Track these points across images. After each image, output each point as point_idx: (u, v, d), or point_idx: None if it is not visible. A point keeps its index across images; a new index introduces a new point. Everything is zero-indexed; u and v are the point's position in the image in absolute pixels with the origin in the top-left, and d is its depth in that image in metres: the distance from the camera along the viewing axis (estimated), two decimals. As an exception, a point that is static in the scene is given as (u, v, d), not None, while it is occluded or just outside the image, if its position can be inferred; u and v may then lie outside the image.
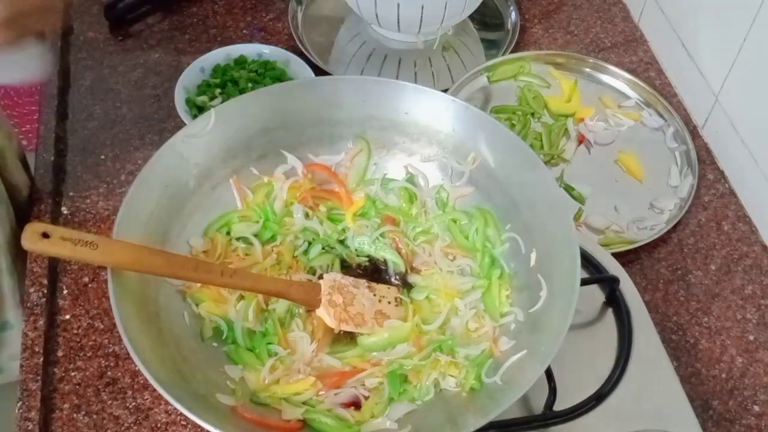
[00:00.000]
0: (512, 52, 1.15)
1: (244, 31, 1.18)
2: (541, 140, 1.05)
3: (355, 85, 0.88)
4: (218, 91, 1.05)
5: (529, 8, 1.23)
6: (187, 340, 0.76)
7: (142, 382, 0.84)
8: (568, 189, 1.01)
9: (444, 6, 1.07)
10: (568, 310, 0.71)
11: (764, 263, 0.96)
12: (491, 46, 1.19)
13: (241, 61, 1.08)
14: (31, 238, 0.66)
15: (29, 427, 0.80)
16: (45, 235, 0.67)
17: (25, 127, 2.37)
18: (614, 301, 0.85)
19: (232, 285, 0.76)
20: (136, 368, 0.65)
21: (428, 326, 0.80)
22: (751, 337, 0.90)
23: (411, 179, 0.89)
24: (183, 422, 0.82)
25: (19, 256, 0.94)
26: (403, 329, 0.79)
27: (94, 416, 0.82)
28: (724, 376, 0.87)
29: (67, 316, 0.89)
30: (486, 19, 1.21)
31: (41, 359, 0.85)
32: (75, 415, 0.82)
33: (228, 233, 0.84)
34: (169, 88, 1.08)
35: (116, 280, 0.70)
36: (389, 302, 0.82)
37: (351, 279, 0.82)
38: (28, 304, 0.88)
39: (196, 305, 0.79)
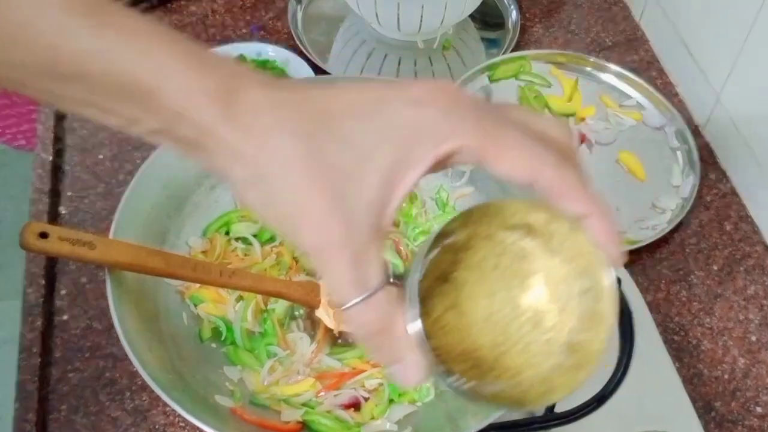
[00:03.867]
0: (513, 51, 1.14)
1: (244, 30, 1.17)
2: (542, 140, 1.05)
3: (355, 84, 0.87)
4: (217, 90, 1.04)
5: (530, 7, 1.22)
6: (185, 341, 0.76)
7: (140, 383, 0.83)
8: (569, 189, 1.00)
9: (444, 5, 1.06)
10: (569, 310, 0.70)
11: (767, 263, 0.95)
12: (492, 46, 1.18)
13: (240, 60, 1.08)
14: (29, 238, 0.66)
15: (27, 429, 0.80)
16: (43, 235, 0.66)
17: (23, 126, 2.37)
18: (616, 301, 0.84)
19: (232, 285, 0.76)
20: (135, 369, 0.65)
21: (428, 327, 0.80)
22: (754, 338, 0.90)
23: (411, 179, 0.89)
24: (181, 424, 0.82)
25: None
26: (404, 330, 0.79)
27: (92, 417, 0.82)
28: (726, 377, 0.87)
29: (65, 317, 0.89)
30: (486, 19, 1.21)
31: (39, 360, 0.84)
32: (73, 417, 0.82)
33: (227, 233, 0.84)
34: (168, 87, 1.08)
35: (114, 280, 0.70)
36: (389, 303, 0.81)
37: (351, 279, 0.81)
38: (26, 305, 0.88)
39: (195, 306, 0.78)
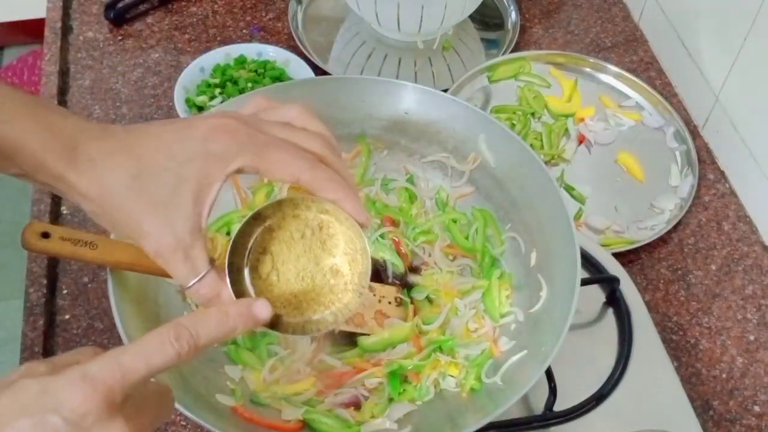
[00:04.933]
0: (512, 51, 1.15)
1: (244, 31, 1.18)
2: (542, 140, 1.05)
3: (355, 85, 0.88)
4: (218, 90, 1.05)
5: (530, 8, 1.23)
6: (186, 341, 0.76)
7: (141, 382, 0.84)
8: (569, 189, 1.01)
9: (444, 6, 1.07)
10: (568, 310, 0.70)
11: (764, 263, 0.96)
12: (491, 46, 1.19)
13: (240, 61, 1.08)
14: (30, 238, 0.66)
15: (29, 428, 0.80)
16: (45, 235, 0.66)
17: (24, 126, 2.37)
18: (614, 301, 0.85)
19: (232, 285, 0.76)
20: (136, 368, 0.65)
21: (428, 326, 0.80)
22: (752, 337, 0.90)
23: (411, 179, 0.89)
24: (183, 422, 0.82)
25: None
26: (403, 329, 0.79)
27: (94, 416, 0.82)
28: (724, 376, 0.87)
29: (67, 316, 0.89)
30: (486, 19, 1.21)
31: (41, 359, 0.84)
32: (74, 416, 0.82)
33: (228, 233, 0.84)
34: (168, 87, 1.08)
35: (116, 280, 0.70)
36: (389, 302, 0.81)
37: (351, 279, 0.82)
38: (28, 304, 0.88)
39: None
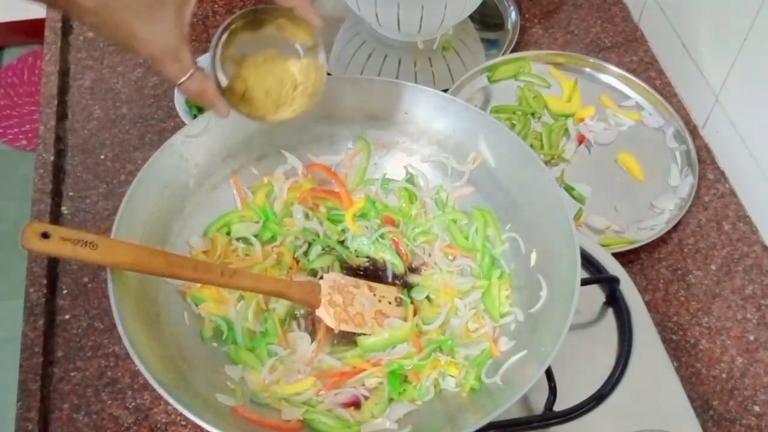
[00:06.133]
0: (512, 51, 1.15)
1: (244, 31, 1.18)
2: (541, 140, 1.05)
3: (355, 85, 0.88)
4: (218, 90, 1.05)
5: (529, 8, 1.23)
6: (187, 341, 0.76)
7: (141, 382, 0.84)
8: (569, 189, 1.01)
9: (444, 6, 1.07)
10: (568, 310, 0.71)
11: (764, 263, 0.96)
12: (491, 46, 1.19)
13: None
14: (30, 238, 0.66)
15: (29, 427, 0.80)
16: (45, 235, 0.66)
17: (25, 127, 2.37)
18: (614, 301, 0.85)
19: (232, 285, 0.76)
20: (136, 368, 0.65)
21: (428, 326, 0.80)
22: (752, 337, 0.90)
23: (411, 179, 0.89)
24: (183, 422, 0.82)
25: None
26: (403, 329, 0.79)
27: (94, 416, 0.82)
28: (724, 376, 0.87)
29: (67, 316, 0.89)
30: (486, 19, 1.21)
31: (41, 359, 0.85)
32: (74, 416, 0.82)
33: (228, 233, 0.84)
34: (168, 87, 1.08)
35: (116, 280, 0.70)
36: (389, 302, 0.81)
37: (351, 279, 0.82)
38: (28, 304, 0.88)
39: (196, 305, 0.79)
